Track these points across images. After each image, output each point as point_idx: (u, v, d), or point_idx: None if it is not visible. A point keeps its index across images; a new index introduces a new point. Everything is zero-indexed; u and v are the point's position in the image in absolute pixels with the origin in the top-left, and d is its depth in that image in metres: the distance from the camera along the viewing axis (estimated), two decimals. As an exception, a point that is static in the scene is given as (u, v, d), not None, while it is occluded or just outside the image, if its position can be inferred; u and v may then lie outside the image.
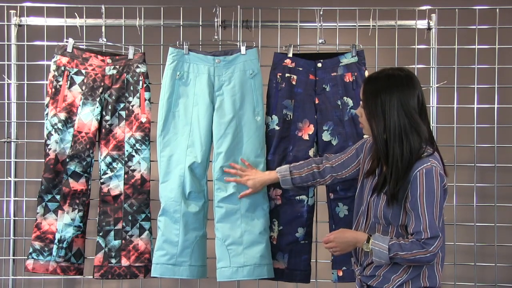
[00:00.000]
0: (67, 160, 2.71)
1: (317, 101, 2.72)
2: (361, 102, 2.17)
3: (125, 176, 2.72)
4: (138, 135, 2.73)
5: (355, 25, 2.88)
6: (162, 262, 2.63)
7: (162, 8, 2.89)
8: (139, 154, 2.73)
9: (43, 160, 2.73)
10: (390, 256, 2.03)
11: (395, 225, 2.09)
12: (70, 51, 2.76)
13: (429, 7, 2.89)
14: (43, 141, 2.74)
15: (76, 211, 2.73)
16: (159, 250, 2.64)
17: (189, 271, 2.64)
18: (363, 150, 2.34)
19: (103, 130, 2.75)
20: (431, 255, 2.00)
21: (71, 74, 2.75)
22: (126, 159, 2.73)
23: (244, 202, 2.64)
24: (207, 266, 2.72)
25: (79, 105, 2.74)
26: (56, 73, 2.74)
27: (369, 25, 2.86)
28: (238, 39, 2.79)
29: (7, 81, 2.94)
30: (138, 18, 2.87)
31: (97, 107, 2.74)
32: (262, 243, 2.63)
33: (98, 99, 2.74)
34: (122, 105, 2.75)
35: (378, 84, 2.08)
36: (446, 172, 2.13)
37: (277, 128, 2.71)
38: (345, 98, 2.69)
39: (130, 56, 2.77)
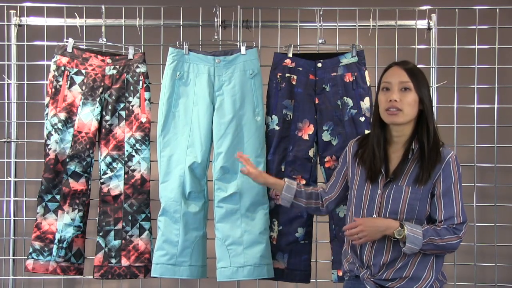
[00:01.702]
0: (67, 160, 2.72)
1: (317, 101, 2.72)
2: (399, 87, 2.14)
3: (125, 176, 2.73)
4: (138, 135, 2.73)
5: (355, 25, 2.88)
6: (162, 262, 2.63)
7: (162, 8, 2.89)
8: (139, 154, 2.73)
9: (43, 160, 2.73)
10: (424, 242, 2.03)
11: (421, 217, 2.09)
12: (70, 51, 2.76)
13: (429, 7, 2.89)
14: (43, 141, 2.74)
15: (76, 211, 2.73)
16: (159, 250, 2.64)
17: (189, 271, 2.64)
18: (346, 159, 2.31)
19: (103, 130, 2.75)
20: (460, 240, 2.07)
21: (71, 74, 2.75)
22: (126, 159, 2.73)
23: (244, 202, 2.64)
24: (207, 266, 2.72)
25: (79, 105, 2.74)
26: (56, 73, 2.74)
27: (369, 25, 2.86)
28: (238, 39, 2.79)
29: (7, 81, 2.94)
30: (138, 18, 2.87)
31: (97, 107, 2.74)
32: (262, 243, 2.63)
33: (98, 99, 2.74)
34: (122, 105, 2.75)
35: (420, 72, 2.19)
36: None
37: (277, 128, 2.71)
38: (345, 98, 2.69)
39: (130, 56, 2.77)
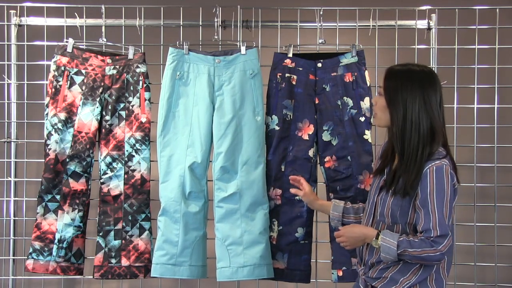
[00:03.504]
0: (67, 160, 2.71)
1: (317, 101, 2.72)
2: (378, 91, 2.16)
3: (125, 176, 2.73)
4: (138, 135, 2.73)
5: (355, 25, 2.88)
6: (162, 262, 2.63)
7: (162, 8, 2.89)
8: (139, 154, 2.73)
9: (43, 160, 2.73)
10: (398, 253, 2.01)
11: (402, 223, 2.07)
12: (70, 51, 2.76)
13: (429, 7, 2.89)
14: (43, 141, 2.74)
15: (76, 211, 2.73)
16: (159, 250, 2.64)
17: (189, 271, 2.64)
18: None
19: (103, 130, 2.75)
20: (440, 254, 1.98)
21: (71, 74, 2.75)
22: (126, 159, 2.73)
23: (244, 202, 2.64)
24: (207, 266, 2.72)
25: (79, 105, 2.74)
26: (56, 73, 2.74)
27: (369, 25, 2.86)
28: (238, 39, 2.79)
29: (7, 81, 2.94)
30: (138, 18, 2.87)
31: (97, 107, 2.74)
32: (262, 243, 2.63)
33: (98, 99, 2.74)
34: (122, 105, 2.75)
35: (402, 74, 2.09)
36: (458, 178, 2.11)
37: (277, 128, 2.71)
38: (345, 98, 2.69)
39: (130, 56, 2.77)
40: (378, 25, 2.86)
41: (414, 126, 2.04)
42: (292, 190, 2.52)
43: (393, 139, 2.09)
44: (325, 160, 2.71)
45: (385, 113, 2.11)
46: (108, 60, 2.78)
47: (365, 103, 2.68)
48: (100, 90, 2.75)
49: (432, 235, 1.98)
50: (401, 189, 2.04)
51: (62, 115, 2.72)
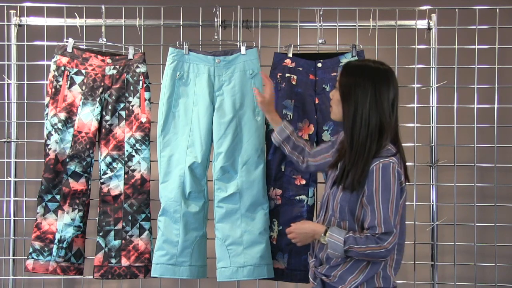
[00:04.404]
0: (67, 160, 2.72)
1: (317, 101, 2.72)
2: (336, 85, 2.18)
3: (125, 176, 2.73)
4: (138, 135, 2.73)
5: (355, 25, 2.88)
6: (162, 262, 2.63)
7: (162, 8, 2.89)
8: (139, 154, 2.73)
9: (43, 160, 2.73)
10: (344, 249, 2.03)
11: (350, 219, 2.09)
12: (70, 51, 2.76)
13: (429, 7, 2.89)
14: (43, 141, 2.74)
15: (76, 211, 2.73)
16: (159, 250, 2.64)
17: (189, 271, 2.64)
18: (337, 143, 2.35)
19: (103, 130, 2.75)
20: (385, 250, 2.00)
21: (71, 74, 2.75)
22: (126, 159, 2.73)
23: (244, 202, 2.64)
24: (207, 266, 2.72)
25: (79, 105, 2.74)
26: (56, 73, 2.74)
27: (369, 25, 2.86)
28: (238, 39, 2.79)
29: (7, 81, 2.94)
30: (138, 18, 2.87)
31: (97, 107, 2.74)
32: (262, 243, 2.63)
33: (98, 99, 2.74)
34: (122, 105, 2.75)
35: (357, 70, 2.12)
36: (408, 176, 2.13)
37: (277, 128, 2.71)
38: (345, 98, 2.69)
39: (130, 56, 2.77)
40: (378, 25, 2.86)
41: (363, 122, 2.06)
42: (255, 91, 2.54)
43: (344, 133, 2.12)
44: (325, 160, 2.71)
45: (339, 107, 2.14)
46: (108, 60, 2.78)
47: (365, 103, 2.68)
48: (100, 90, 2.75)
49: (377, 232, 2.00)
50: (350, 185, 2.06)
51: (62, 115, 2.72)
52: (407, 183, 2.13)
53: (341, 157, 2.17)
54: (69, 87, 2.74)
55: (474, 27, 2.92)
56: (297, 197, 2.70)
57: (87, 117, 2.73)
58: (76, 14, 2.87)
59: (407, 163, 2.89)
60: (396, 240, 2.01)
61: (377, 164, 2.03)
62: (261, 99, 2.50)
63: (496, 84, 2.94)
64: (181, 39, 2.76)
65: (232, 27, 2.82)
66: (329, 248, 2.07)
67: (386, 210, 2.00)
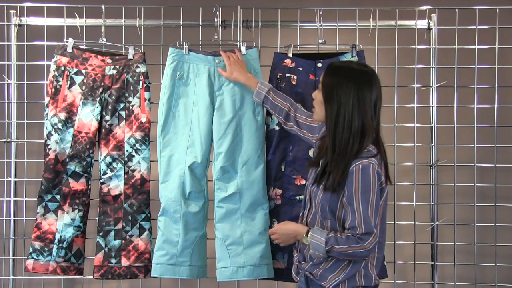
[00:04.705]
0: (67, 160, 2.72)
1: (317, 101, 2.72)
2: (319, 86, 2.18)
3: (125, 176, 2.73)
4: (138, 135, 2.73)
5: (355, 25, 2.88)
6: (162, 262, 2.63)
7: (162, 8, 2.89)
8: (139, 154, 2.73)
9: (43, 160, 2.73)
10: (326, 250, 2.05)
11: (331, 218, 2.10)
12: (70, 51, 2.76)
13: (429, 7, 2.89)
14: (43, 141, 2.74)
15: (76, 211, 2.73)
16: (159, 250, 2.64)
17: (189, 271, 2.64)
18: (320, 131, 2.36)
19: (103, 130, 2.75)
20: (366, 250, 2.02)
21: (71, 74, 2.75)
22: (126, 159, 2.73)
23: (244, 202, 2.64)
24: (207, 266, 2.72)
25: (79, 105, 2.74)
26: (56, 73, 2.74)
27: (369, 25, 2.86)
28: (238, 39, 2.79)
29: (7, 81, 2.94)
30: (138, 18, 2.87)
31: (97, 107, 2.74)
32: (262, 243, 2.63)
33: (98, 99, 2.74)
34: (122, 105, 2.75)
35: (340, 71, 2.12)
36: (389, 177, 2.13)
37: (277, 128, 2.71)
38: (345, 98, 2.69)
39: (130, 56, 2.77)
40: (378, 25, 2.86)
41: (346, 123, 2.06)
42: (219, 70, 2.64)
43: (327, 134, 2.12)
44: (325, 160, 2.71)
45: (322, 108, 2.14)
46: (108, 60, 2.78)
47: (365, 103, 2.68)
48: (100, 90, 2.75)
49: (358, 232, 2.02)
50: (330, 186, 2.07)
51: (62, 115, 2.72)
52: (389, 183, 2.14)
53: (321, 155, 2.18)
54: (69, 87, 2.74)
55: (474, 27, 2.92)
56: (297, 197, 2.70)
57: (87, 117, 2.73)
58: (76, 14, 2.87)
59: (407, 163, 2.90)
60: (376, 239, 2.03)
61: (356, 165, 2.03)
62: (226, 74, 2.60)
63: (496, 84, 2.94)
64: (181, 39, 2.76)
65: (232, 27, 2.82)
66: (311, 248, 2.09)
67: (366, 211, 2.01)
